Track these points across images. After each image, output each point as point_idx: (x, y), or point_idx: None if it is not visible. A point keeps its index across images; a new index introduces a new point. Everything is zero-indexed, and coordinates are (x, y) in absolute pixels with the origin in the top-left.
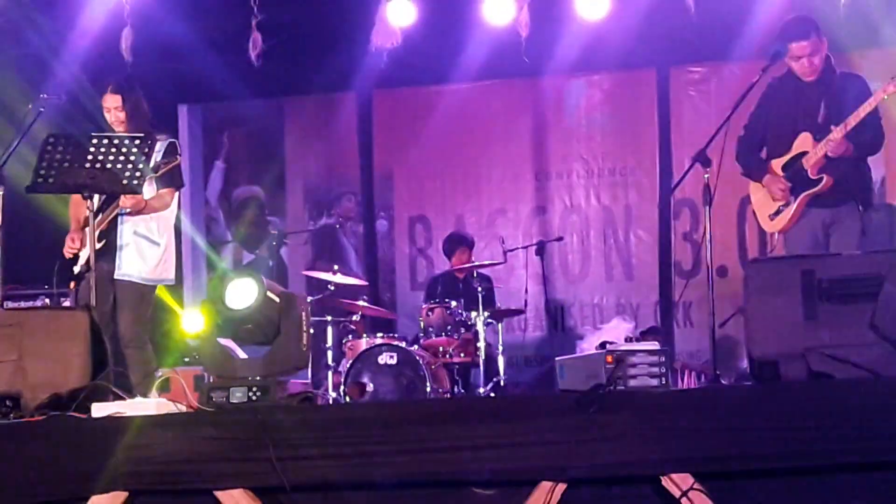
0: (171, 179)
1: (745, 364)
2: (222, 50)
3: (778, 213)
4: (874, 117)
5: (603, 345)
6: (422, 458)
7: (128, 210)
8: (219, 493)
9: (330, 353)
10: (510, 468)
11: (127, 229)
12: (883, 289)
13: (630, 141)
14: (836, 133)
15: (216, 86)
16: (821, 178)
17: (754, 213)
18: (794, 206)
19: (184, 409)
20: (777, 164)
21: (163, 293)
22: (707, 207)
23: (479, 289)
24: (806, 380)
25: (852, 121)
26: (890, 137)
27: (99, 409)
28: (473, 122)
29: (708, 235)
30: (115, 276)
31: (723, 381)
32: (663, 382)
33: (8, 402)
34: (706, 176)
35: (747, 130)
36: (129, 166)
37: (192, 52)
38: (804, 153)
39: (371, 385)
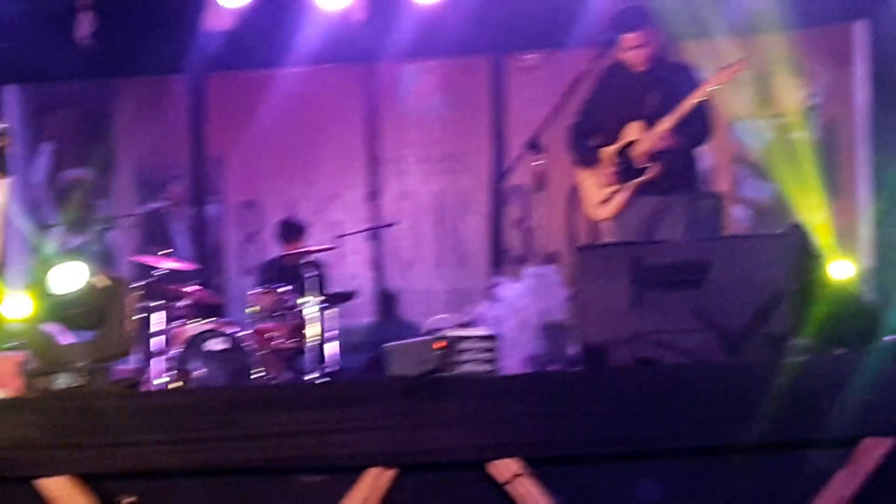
0: None
1: (574, 350)
2: (50, 29)
3: (606, 200)
4: (702, 108)
5: (433, 330)
6: (250, 445)
7: None
8: (42, 481)
9: (158, 339)
10: (338, 454)
11: None
12: (707, 276)
13: (463, 128)
14: (663, 125)
15: (44, 66)
16: (647, 168)
17: (582, 197)
18: (622, 195)
19: (6, 395)
20: (607, 152)
21: None
22: (539, 194)
23: (312, 274)
24: (632, 365)
25: (677, 114)
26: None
27: None
28: (307, 106)
29: (539, 222)
30: None
31: (552, 367)
32: (493, 368)
33: None
34: (538, 163)
35: (578, 119)
36: None
37: (18, 30)
38: (633, 142)
39: (200, 371)
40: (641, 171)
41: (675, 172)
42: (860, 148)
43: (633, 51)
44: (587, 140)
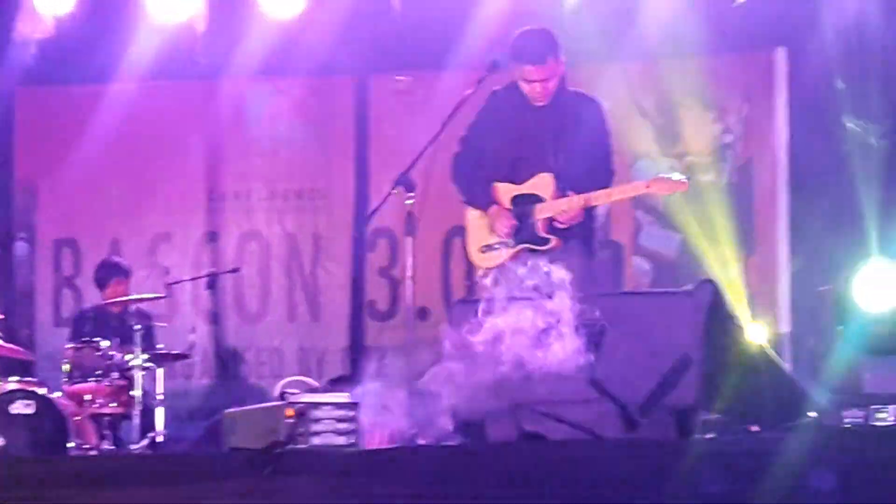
0: None
1: (447, 421)
2: None
3: (491, 248)
4: (606, 154)
5: (283, 395)
6: None
7: None
8: None
9: None
10: None
11: None
12: (604, 338)
13: (321, 159)
14: (575, 203)
15: None
16: (548, 240)
17: (465, 239)
18: (510, 252)
19: None
20: (505, 191)
21: None
22: (409, 239)
23: (137, 327)
24: (515, 441)
25: (592, 201)
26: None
27: None
28: (137, 130)
29: (409, 272)
30: None
31: (421, 441)
32: (352, 441)
33: None
34: (409, 202)
35: (466, 146)
36: None
37: None
38: (540, 199)
39: (1, 438)
40: (539, 241)
41: (573, 229)
42: (780, 194)
43: (535, 84)
44: (479, 172)
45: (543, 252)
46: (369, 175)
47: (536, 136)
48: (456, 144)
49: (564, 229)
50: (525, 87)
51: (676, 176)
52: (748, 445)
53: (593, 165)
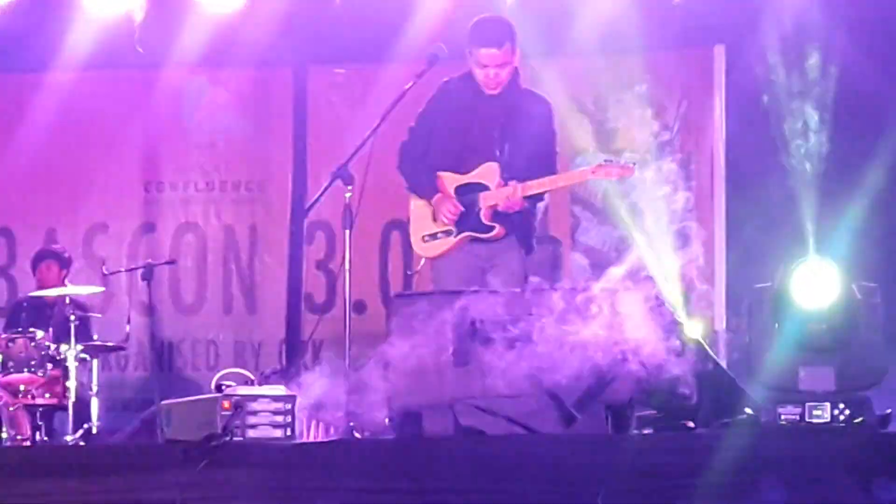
0: None
1: (384, 415)
2: None
3: (434, 237)
4: (550, 154)
5: (219, 387)
6: None
7: None
8: None
9: None
10: None
11: None
12: (543, 332)
13: (259, 150)
14: (517, 192)
15: None
16: (492, 227)
17: (407, 238)
18: (453, 241)
19: None
20: (450, 180)
21: None
22: (347, 231)
23: (72, 317)
24: (453, 435)
25: (536, 187)
26: None
27: None
28: (74, 119)
29: (347, 265)
30: None
31: (357, 435)
32: (288, 434)
33: None
34: (347, 195)
35: (413, 135)
36: None
37: None
38: (485, 187)
39: None
40: (483, 229)
41: (514, 221)
42: (717, 190)
43: (488, 70)
44: (422, 161)
45: (485, 240)
46: (307, 167)
47: (485, 125)
48: (404, 133)
49: (507, 217)
50: (479, 73)
51: (623, 161)
52: (684, 442)
53: (538, 160)
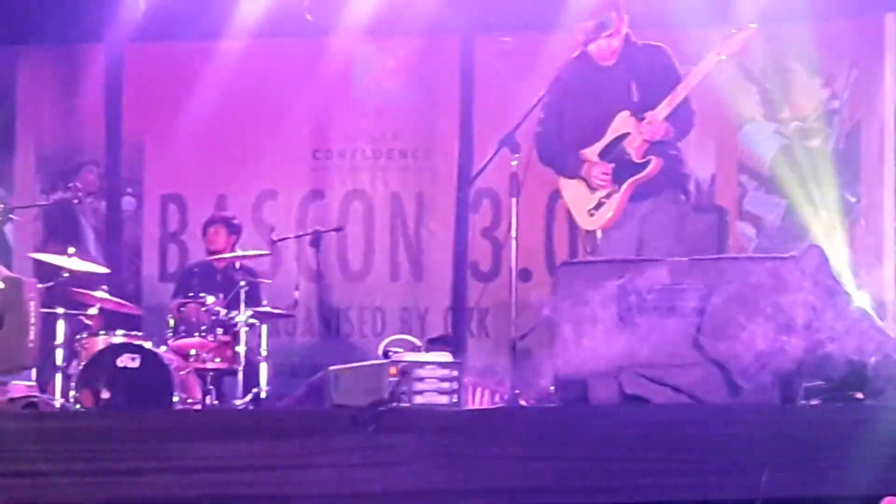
0: None
1: (548, 383)
2: None
3: (599, 206)
4: (685, 98)
5: (386, 353)
6: (168, 480)
7: None
8: None
9: (60, 352)
10: (273, 494)
11: None
12: (710, 301)
13: (426, 119)
14: (658, 113)
15: None
16: (648, 161)
17: (569, 211)
18: (618, 197)
19: None
20: (592, 152)
21: None
22: (513, 200)
23: (242, 283)
24: (618, 403)
25: (674, 99)
26: (721, 132)
27: None
28: (243, 87)
29: (513, 233)
30: None
31: (522, 402)
32: (454, 400)
33: None
34: (514, 163)
35: (545, 125)
36: None
37: None
38: (625, 135)
39: (107, 391)
40: (639, 167)
41: (667, 170)
42: (888, 160)
43: (600, 41)
44: (561, 145)
45: (645, 179)
46: (474, 136)
47: (610, 96)
48: (536, 125)
49: (659, 149)
50: (592, 48)
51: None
52: (853, 413)
53: (666, 93)
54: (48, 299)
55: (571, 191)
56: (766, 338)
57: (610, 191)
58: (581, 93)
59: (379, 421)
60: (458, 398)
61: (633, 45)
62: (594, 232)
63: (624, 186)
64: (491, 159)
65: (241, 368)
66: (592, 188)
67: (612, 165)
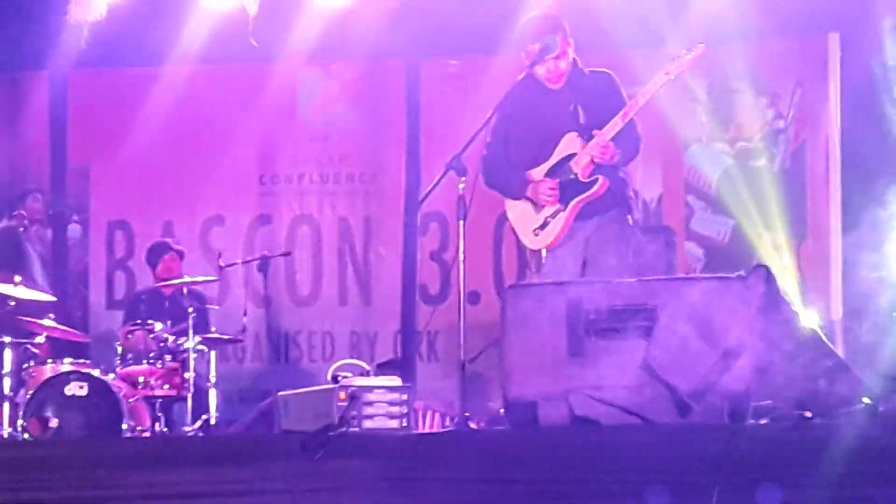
0: None
1: (498, 405)
2: None
3: (545, 226)
4: (630, 122)
5: (335, 378)
6: None
7: None
8: None
9: (7, 381)
10: None
11: None
12: (658, 322)
13: (373, 142)
14: (603, 136)
15: None
16: (595, 180)
17: (513, 230)
18: (564, 216)
19: None
20: (538, 172)
21: None
22: (461, 222)
23: (190, 309)
24: (568, 425)
25: (620, 121)
26: (667, 152)
27: None
28: (189, 113)
29: (460, 255)
30: None
31: (472, 425)
32: (404, 424)
33: None
34: (461, 186)
35: (491, 148)
36: None
37: None
38: (571, 155)
39: (56, 420)
40: (586, 186)
41: (611, 192)
42: (833, 179)
43: (547, 64)
44: (507, 167)
45: (591, 199)
46: (420, 159)
47: (557, 119)
48: (482, 148)
49: (605, 171)
50: (539, 70)
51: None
52: (801, 432)
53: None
54: None
55: (517, 211)
56: (714, 358)
57: (556, 210)
58: (528, 115)
59: (328, 446)
60: (408, 422)
61: (580, 71)
62: (539, 251)
63: (570, 206)
64: (438, 182)
65: (189, 395)
66: (539, 208)
67: (558, 181)
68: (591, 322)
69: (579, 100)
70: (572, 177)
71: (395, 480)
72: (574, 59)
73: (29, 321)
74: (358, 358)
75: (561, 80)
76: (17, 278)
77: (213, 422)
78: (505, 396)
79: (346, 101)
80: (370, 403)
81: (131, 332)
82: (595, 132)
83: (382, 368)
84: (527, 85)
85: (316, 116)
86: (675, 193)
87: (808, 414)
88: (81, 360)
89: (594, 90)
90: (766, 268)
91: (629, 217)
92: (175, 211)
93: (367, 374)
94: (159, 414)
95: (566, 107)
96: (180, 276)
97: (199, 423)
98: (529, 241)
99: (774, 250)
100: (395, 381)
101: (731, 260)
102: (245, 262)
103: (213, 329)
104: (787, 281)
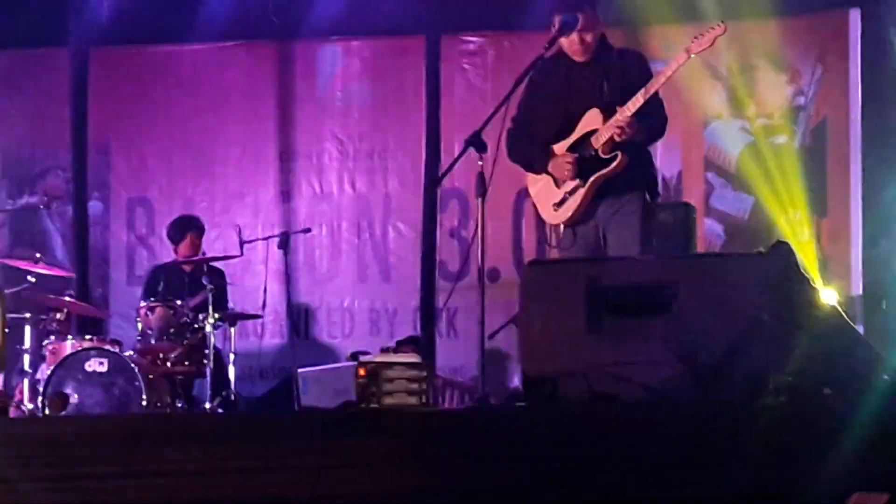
0: None
1: (517, 382)
2: None
3: (563, 201)
4: (656, 100)
5: (355, 355)
6: (137, 484)
7: None
8: None
9: (27, 357)
10: (240, 498)
11: None
12: (677, 299)
13: (392, 119)
14: (624, 112)
15: None
16: (614, 156)
17: (534, 205)
18: (583, 191)
19: None
20: (561, 147)
21: None
22: (480, 200)
23: (210, 286)
24: (587, 401)
25: (641, 98)
26: (687, 129)
27: None
28: (209, 89)
29: (480, 232)
30: None
31: (492, 401)
32: (424, 400)
33: None
34: (480, 163)
35: (517, 123)
36: None
37: None
38: (593, 131)
39: (76, 396)
40: (605, 162)
41: (633, 170)
42: (853, 155)
43: (573, 37)
44: (531, 142)
45: (610, 175)
46: (440, 135)
47: (583, 92)
48: (508, 121)
49: (626, 147)
50: (566, 43)
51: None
52: (822, 409)
53: (645, 112)
54: (15, 304)
55: (538, 186)
56: (733, 335)
57: (575, 185)
58: (553, 88)
59: (348, 423)
60: (428, 399)
61: (609, 46)
62: (559, 227)
63: (589, 182)
64: (458, 159)
65: (209, 371)
66: (559, 183)
67: (577, 155)
68: (611, 299)
69: (606, 76)
70: (593, 153)
71: (415, 457)
72: (603, 34)
73: (49, 298)
74: (377, 334)
75: (588, 53)
76: (38, 255)
77: (233, 398)
78: (524, 373)
79: (366, 79)
80: (390, 380)
81: (151, 308)
82: (618, 107)
83: (402, 345)
84: (554, 59)
85: (335, 93)
86: (694, 170)
87: (828, 391)
88: (101, 337)
89: (622, 67)
90: (787, 244)
91: (650, 195)
92: (195, 188)
93: (387, 350)
94: (179, 390)
95: (592, 82)
96: (201, 252)
97: (219, 400)
98: (549, 217)
99: (795, 227)
100: (415, 357)
101: (751, 237)
102: (265, 239)
103: (233, 305)
104: (808, 257)
